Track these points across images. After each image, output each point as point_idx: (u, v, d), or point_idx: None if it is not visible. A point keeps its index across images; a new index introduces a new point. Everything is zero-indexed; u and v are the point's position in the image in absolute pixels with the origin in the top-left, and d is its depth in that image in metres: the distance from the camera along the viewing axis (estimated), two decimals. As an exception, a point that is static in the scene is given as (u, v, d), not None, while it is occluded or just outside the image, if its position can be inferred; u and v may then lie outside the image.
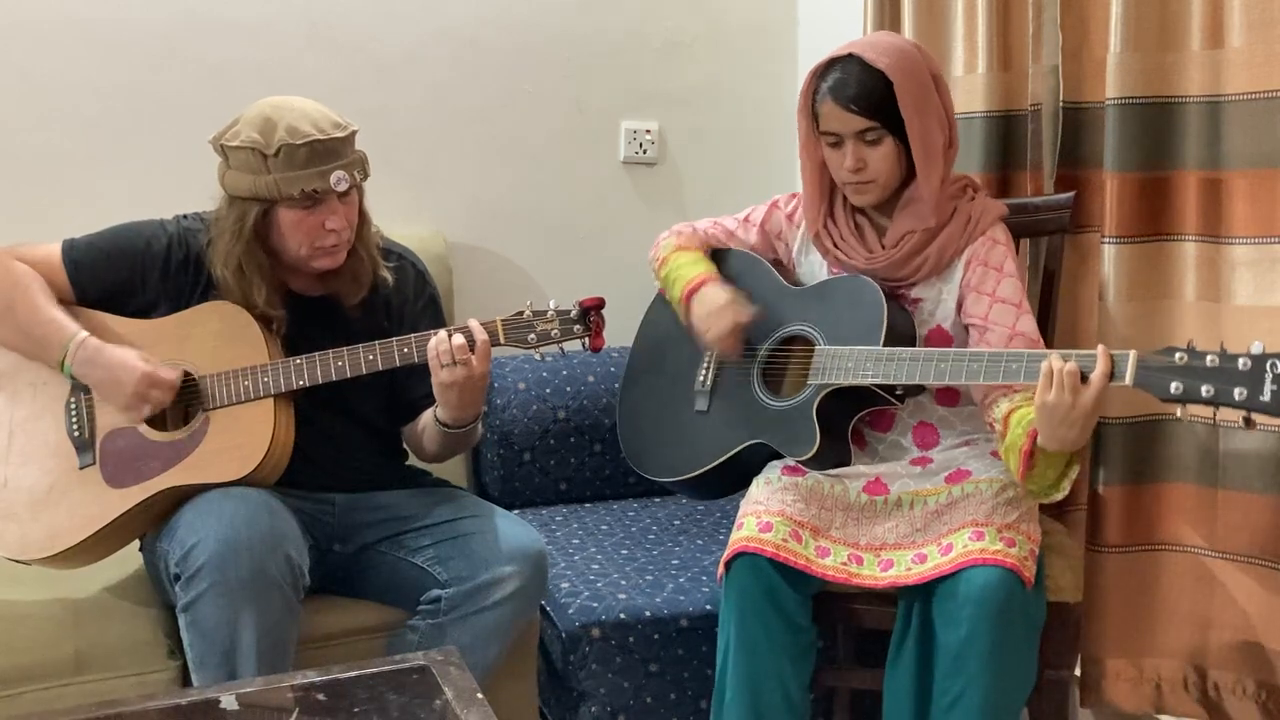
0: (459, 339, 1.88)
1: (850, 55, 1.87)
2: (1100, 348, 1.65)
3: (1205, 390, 1.55)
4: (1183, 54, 1.90)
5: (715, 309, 2.01)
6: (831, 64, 1.89)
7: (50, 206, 2.45)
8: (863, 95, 1.84)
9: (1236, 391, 1.54)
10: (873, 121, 1.86)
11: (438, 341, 1.88)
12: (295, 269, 2.00)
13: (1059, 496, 1.78)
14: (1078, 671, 2.06)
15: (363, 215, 2.01)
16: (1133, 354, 1.62)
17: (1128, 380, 1.62)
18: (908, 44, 1.94)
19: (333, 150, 1.89)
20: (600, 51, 2.83)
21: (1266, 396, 1.52)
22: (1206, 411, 1.58)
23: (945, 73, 2.25)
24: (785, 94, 2.94)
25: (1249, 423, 1.55)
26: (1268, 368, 1.52)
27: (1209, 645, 1.97)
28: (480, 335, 1.88)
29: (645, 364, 2.23)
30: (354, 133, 1.94)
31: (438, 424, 1.99)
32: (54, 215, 2.23)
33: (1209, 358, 1.56)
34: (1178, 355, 1.59)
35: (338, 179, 1.89)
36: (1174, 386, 1.58)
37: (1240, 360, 1.54)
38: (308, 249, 1.94)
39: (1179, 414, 1.60)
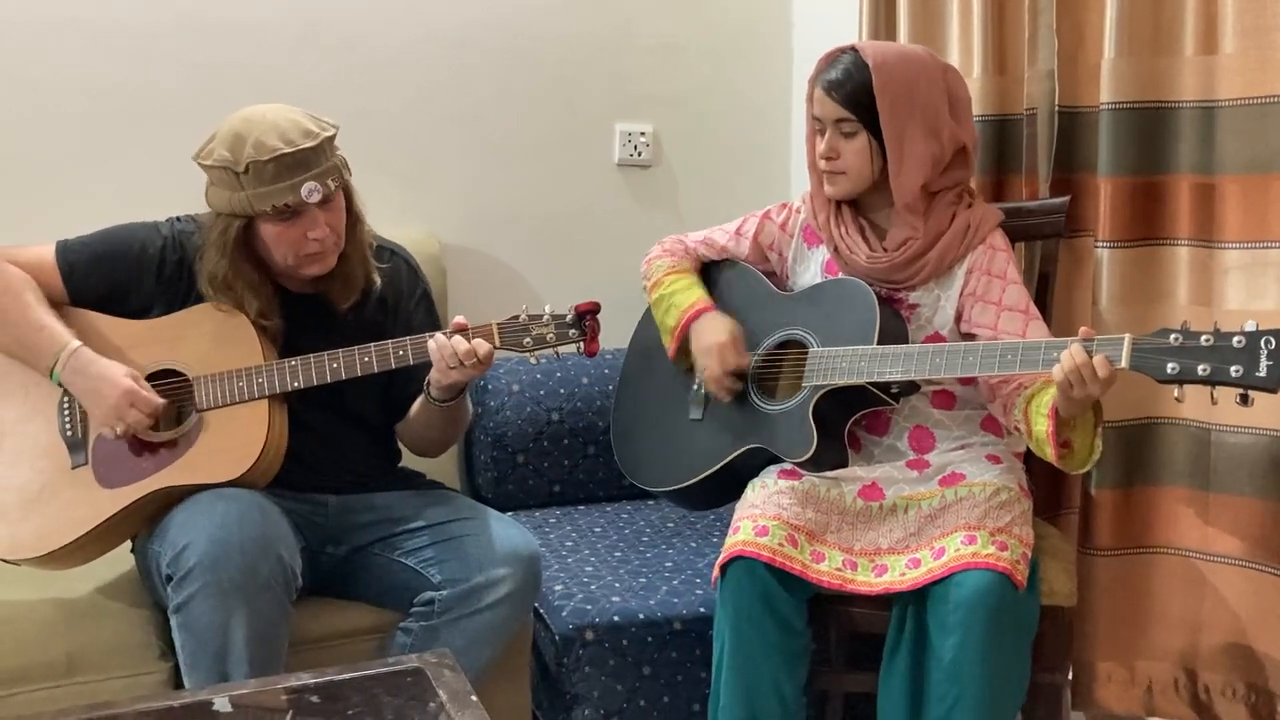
0: (462, 344, 1.88)
1: (852, 47, 1.91)
2: (1084, 330, 1.67)
3: (1201, 369, 1.57)
4: (1176, 59, 1.91)
5: (715, 344, 1.99)
6: (834, 54, 1.92)
7: (42, 207, 2.44)
8: (844, 85, 1.88)
9: (1233, 369, 1.55)
10: (847, 112, 1.88)
11: (440, 346, 1.88)
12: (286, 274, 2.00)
13: (1098, 456, 1.77)
14: (1071, 675, 2.07)
15: (354, 216, 1.99)
16: (1127, 337, 1.63)
17: (1124, 363, 1.62)
18: (925, 56, 1.94)
19: (302, 162, 1.86)
20: (594, 53, 2.82)
21: (1262, 372, 1.53)
22: (1203, 391, 1.59)
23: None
24: (780, 96, 2.95)
25: (1246, 399, 1.56)
26: (1262, 344, 1.54)
27: (1199, 648, 1.98)
28: (484, 349, 1.88)
29: (638, 375, 2.23)
30: (329, 138, 1.91)
31: (430, 401, 1.98)
32: (45, 215, 2.22)
33: (1204, 337, 1.58)
34: (1173, 336, 1.60)
35: (309, 191, 1.86)
36: (1170, 367, 1.59)
37: (1235, 338, 1.56)
38: (293, 258, 1.93)
39: (1176, 394, 1.61)
